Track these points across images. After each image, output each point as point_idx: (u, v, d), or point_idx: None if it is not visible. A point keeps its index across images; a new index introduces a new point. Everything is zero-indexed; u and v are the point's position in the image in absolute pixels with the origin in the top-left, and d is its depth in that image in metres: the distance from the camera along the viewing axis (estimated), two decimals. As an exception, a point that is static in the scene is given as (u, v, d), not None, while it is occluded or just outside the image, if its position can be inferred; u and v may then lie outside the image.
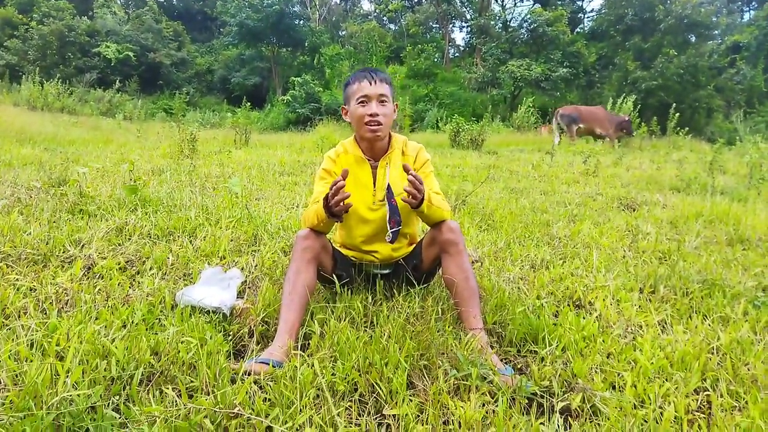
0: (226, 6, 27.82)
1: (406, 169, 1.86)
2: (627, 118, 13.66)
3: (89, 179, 4.38)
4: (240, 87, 27.40)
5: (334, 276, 2.15)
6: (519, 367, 1.86)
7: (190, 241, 2.88)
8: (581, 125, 13.44)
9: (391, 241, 2.09)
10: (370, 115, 2.07)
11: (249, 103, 14.16)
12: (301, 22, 30.66)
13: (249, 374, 1.55)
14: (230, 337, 1.89)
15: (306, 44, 28.99)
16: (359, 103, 2.09)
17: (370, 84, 2.08)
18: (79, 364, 1.49)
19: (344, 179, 1.80)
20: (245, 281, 2.44)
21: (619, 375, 1.73)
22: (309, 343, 1.82)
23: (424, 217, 2.03)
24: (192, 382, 1.53)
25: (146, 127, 12.46)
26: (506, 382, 1.61)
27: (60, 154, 6.17)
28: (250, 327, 1.96)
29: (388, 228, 2.06)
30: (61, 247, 2.57)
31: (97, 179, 4.61)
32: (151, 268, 2.47)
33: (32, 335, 1.68)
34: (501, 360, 1.86)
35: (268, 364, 1.62)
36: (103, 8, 28.38)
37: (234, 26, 27.15)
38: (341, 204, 1.83)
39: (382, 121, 2.08)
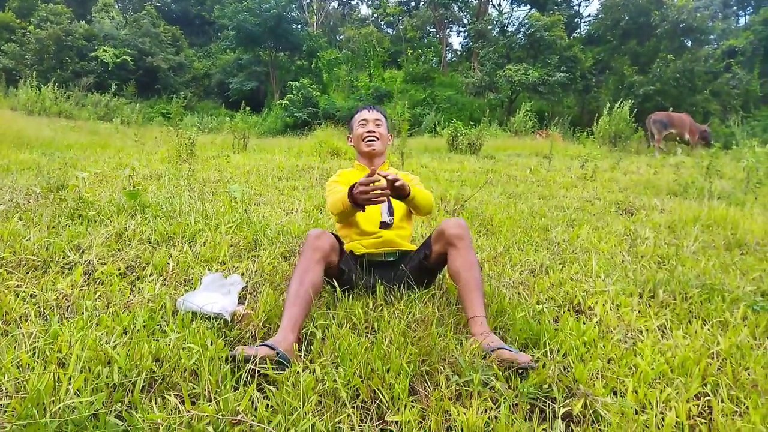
0: (224, 10, 27.83)
1: (383, 175, 2.09)
2: (707, 128, 14.05)
3: (88, 184, 4.38)
4: (237, 91, 27.40)
5: (339, 268, 2.24)
6: (520, 372, 1.86)
7: (190, 247, 2.88)
8: (672, 131, 13.75)
9: (385, 227, 2.36)
10: (368, 132, 2.56)
11: (247, 108, 14.19)
12: (299, 26, 30.70)
13: (255, 357, 1.59)
14: (231, 343, 1.89)
15: (303, 49, 29.01)
16: (360, 124, 2.60)
17: (369, 111, 2.63)
18: (81, 371, 1.49)
19: (372, 176, 2.06)
20: (246, 287, 2.44)
21: (620, 380, 1.73)
22: (311, 349, 1.82)
23: (414, 205, 2.29)
24: (194, 388, 1.53)
25: (144, 132, 12.46)
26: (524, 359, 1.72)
27: (58, 158, 6.16)
28: (252, 333, 1.96)
29: (386, 215, 2.34)
30: (61, 252, 2.57)
31: (96, 184, 4.60)
32: (151, 274, 2.47)
33: (34, 342, 1.68)
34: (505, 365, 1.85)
35: (274, 349, 1.65)
36: (102, 12, 28.39)
37: (231, 30, 27.16)
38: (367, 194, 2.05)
39: (377, 136, 2.56)
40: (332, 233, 2.19)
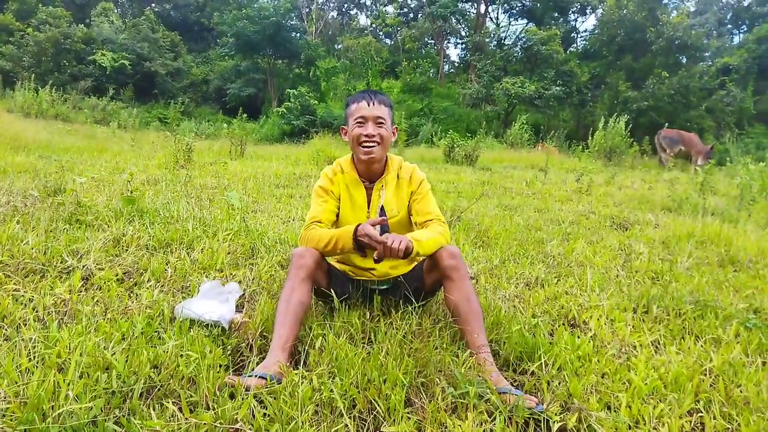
0: (223, 17, 27.92)
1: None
2: (712, 148, 14.51)
3: (85, 188, 4.38)
4: (235, 98, 27.41)
5: (331, 291, 2.16)
6: (515, 386, 1.87)
7: (188, 253, 2.89)
8: (681, 148, 14.16)
9: (377, 261, 2.05)
10: (366, 136, 2.10)
11: (245, 114, 14.17)
12: (298, 34, 30.78)
13: (247, 389, 1.56)
14: (229, 351, 1.90)
15: (302, 57, 29.11)
16: (356, 123, 2.13)
17: (368, 105, 2.12)
18: (81, 377, 1.50)
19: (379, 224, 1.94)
20: (243, 295, 2.45)
21: (614, 395, 1.74)
22: (308, 359, 1.82)
23: (420, 257, 2.05)
24: (192, 396, 1.53)
25: (140, 136, 12.47)
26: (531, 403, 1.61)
27: (55, 162, 6.16)
28: (249, 341, 1.97)
29: None
30: (59, 257, 2.57)
31: (93, 189, 4.60)
32: (149, 280, 2.47)
33: (34, 347, 1.68)
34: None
35: (265, 378, 1.63)
36: (101, 17, 28.42)
37: (231, 37, 27.24)
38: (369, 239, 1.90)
39: (377, 141, 2.11)
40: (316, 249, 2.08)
